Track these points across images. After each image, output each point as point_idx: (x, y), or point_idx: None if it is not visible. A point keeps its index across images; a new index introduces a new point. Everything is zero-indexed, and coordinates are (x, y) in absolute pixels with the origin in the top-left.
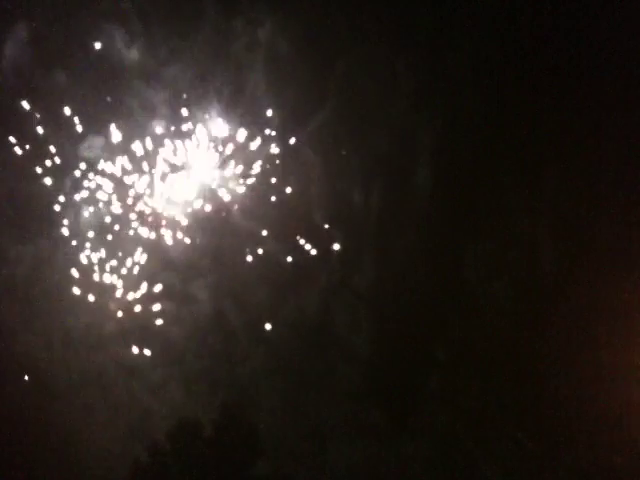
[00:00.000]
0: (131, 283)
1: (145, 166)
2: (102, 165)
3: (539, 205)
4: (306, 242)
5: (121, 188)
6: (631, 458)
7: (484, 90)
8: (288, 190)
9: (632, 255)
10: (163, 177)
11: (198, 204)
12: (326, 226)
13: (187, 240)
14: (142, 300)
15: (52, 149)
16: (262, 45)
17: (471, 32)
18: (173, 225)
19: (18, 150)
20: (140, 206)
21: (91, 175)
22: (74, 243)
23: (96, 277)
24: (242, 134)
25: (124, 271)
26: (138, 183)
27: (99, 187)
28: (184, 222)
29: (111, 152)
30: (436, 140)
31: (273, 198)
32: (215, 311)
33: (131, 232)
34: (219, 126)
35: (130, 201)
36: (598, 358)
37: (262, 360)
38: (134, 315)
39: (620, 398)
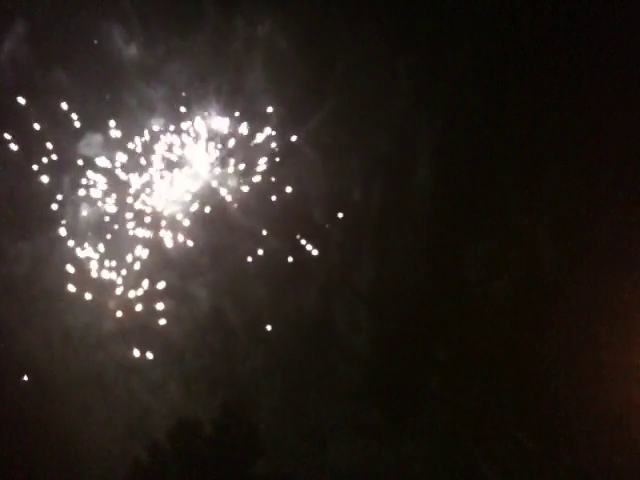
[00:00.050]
0: (130, 282)
1: (144, 164)
2: (101, 163)
3: (539, 205)
4: (306, 241)
5: (120, 186)
6: (631, 458)
7: (484, 90)
8: (288, 189)
9: (632, 255)
10: (162, 175)
11: (197, 202)
12: (326, 225)
13: (186, 239)
14: (141, 299)
15: (51, 147)
16: (261, 44)
17: (471, 32)
18: (172, 223)
19: (17, 148)
20: (139, 204)
21: (90, 173)
22: (73, 242)
23: (95, 276)
24: (241, 132)
25: (123, 270)
26: (137, 181)
27: (98, 185)
28: (183, 220)
29: (110, 150)
30: (436, 140)
31: (273, 197)
32: (214, 310)
33: (130, 230)
34: (218, 124)
35: (129, 199)
36: (598, 358)
37: (262, 359)
38: (133, 314)
39: (620, 398)
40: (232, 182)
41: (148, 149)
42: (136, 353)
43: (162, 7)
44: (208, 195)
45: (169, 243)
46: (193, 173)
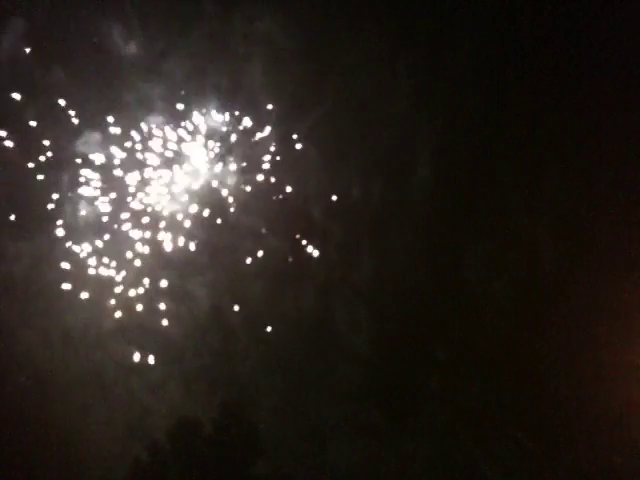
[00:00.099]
0: (130, 281)
1: (143, 162)
2: (99, 161)
3: (539, 205)
4: (305, 240)
5: (119, 184)
6: (631, 458)
7: (484, 90)
8: (287, 187)
9: (632, 255)
10: (161, 173)
11: (196, 201)
12: (325, 224)
13: (185, 237)
14: (141, 298)
15: (50, 145)
16: (261, 41)
17: (471, 32)
18: (171, 222)
19: (15, 147)
20: (138, 203)
21: (88, 171)
22: (72, 241)
23: (95, 275)
24: (241, 130)
25: (122, 269)
26: (135, 179)
27: (97, 183)
28: (182, 219)
29: (109, 148)
30: (436, 140)
31: (272, 195)
32: (214, 309)
33: (129, 229)
34: (217, 122)
35: (128, 198)
36: (598, 358)
37: (262, 359)
38: (133, 313)
39: (620, 398)
40: (231, 180)
41: (147, 147)
42: (136, 353)
43: (162, 6)
44: (207, 193)
45: (168, 242)
46: (192, 171)
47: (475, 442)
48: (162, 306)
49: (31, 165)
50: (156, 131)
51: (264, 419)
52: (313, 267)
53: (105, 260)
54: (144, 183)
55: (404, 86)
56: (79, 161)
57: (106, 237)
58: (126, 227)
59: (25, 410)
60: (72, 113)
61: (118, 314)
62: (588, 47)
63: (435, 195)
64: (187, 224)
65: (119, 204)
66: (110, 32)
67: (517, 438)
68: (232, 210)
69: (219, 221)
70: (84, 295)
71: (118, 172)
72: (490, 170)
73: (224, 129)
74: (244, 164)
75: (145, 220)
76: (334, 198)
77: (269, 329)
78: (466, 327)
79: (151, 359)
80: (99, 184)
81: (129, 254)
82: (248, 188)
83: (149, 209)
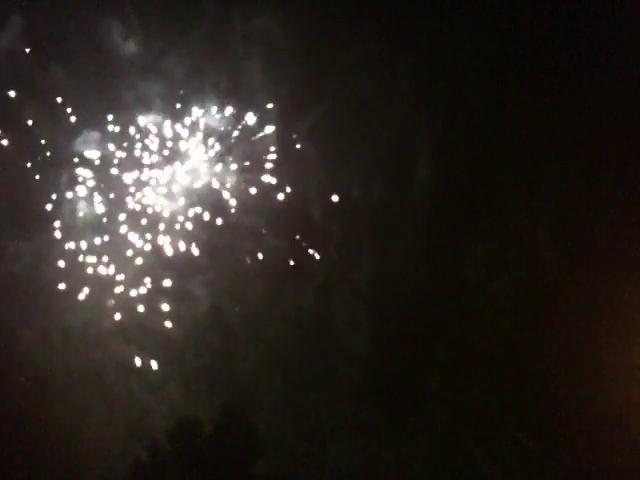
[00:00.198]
0: (130, 281)
1: (141, 162)
2: (98, 160)
3: (539, 205)
4: (305, 240)
5: (118, 184)
6: (631, 458)
7: (484, 90)
8: (287, 187)
9: (632, 255)
10: (160, 173)
11: (196, 200)
12: (325, 224)
13: (185, 237)
14: (141, 298)
15: (49, 144)
16: (260, 41)
17: (471, 32)
18: (171, 222)
19: (14, 146)
20: (138, 203)
21: (87, 170)
22: (72, 240)
23: (94, 275)
24: (240, 129)
25: (122, 268)
26: (134, 179)
27: (96, 183)
28: (182, 219)
29: (107, 147)
30: (436, 140)
31: (272, 195)
32: (213, 309)
33: (129, 229)
34: (217, 121)
35: (127, 197)
36: (598, 358)
37: (262, 359)
38: (133, 313)
39: (620, 398)
40: (230, 179)
41: (146, 146)
42: (136, 353)
43: (161, 5)
44: (207, 193)
45: (168, 241)
46: (191, 170)
47: (475, 442)
48: (162, 306)
49: (30, 164)
50: (155, 130)
51: (264, 419)
52: (313, 267)
53: (105, 260)
54: (143, 183)
55: (404, 86)
56: (77, 160)
57: (106, 237)
58: (126, 227)
59: (25, 410)
60: (71, 112)
61: (118, 314)
62: (588, 47)
63: (435, 195)
64: (187, 224)
65: (118, 203)
66: (110, 31)
67: (517, 438)
68: (232, 209)
69: (219, 221)
70: (84, 295)
71: (117, 171)
72: (490, 170)
73: (223, 128)
74: (244, 164)
75: (145, 220)
76: (334, 198)
77: (269, 329)
78: (466, 327)
79: (151, 359)
80: (98, 183)
81: (129, 253)
82: (248, 188)
83: (148, 209)
